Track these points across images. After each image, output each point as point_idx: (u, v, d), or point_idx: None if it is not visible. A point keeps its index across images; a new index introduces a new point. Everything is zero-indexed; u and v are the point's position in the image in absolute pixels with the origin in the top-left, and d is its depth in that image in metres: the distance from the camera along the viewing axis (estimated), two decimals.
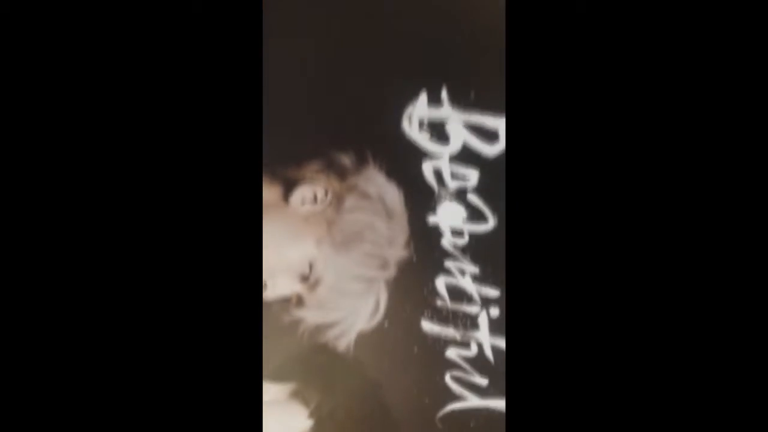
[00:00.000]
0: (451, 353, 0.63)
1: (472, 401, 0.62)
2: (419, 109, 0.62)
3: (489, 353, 0.62)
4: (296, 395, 0.63)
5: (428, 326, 0.64)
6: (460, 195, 0.63)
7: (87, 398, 0.39)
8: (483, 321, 0.62)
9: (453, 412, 0.63)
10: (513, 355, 0.43)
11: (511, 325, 0.44)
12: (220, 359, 0.41)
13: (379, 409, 0.63)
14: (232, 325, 0.41)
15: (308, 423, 0.62)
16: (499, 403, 0.61)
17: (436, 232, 0.63)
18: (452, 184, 0.63)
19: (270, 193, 0.62)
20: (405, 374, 0.63)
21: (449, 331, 0.63)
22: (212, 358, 0.41)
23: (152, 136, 0.41)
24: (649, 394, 0.40)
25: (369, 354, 0.63)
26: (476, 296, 0.62)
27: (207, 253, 0.41)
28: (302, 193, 0.63)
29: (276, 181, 0.62)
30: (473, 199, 0.63)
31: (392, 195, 0.62)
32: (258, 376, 0.43)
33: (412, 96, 0.62)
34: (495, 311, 0.62)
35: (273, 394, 0.62)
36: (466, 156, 0.62)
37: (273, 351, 0.61)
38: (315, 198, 0.63)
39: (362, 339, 0.63)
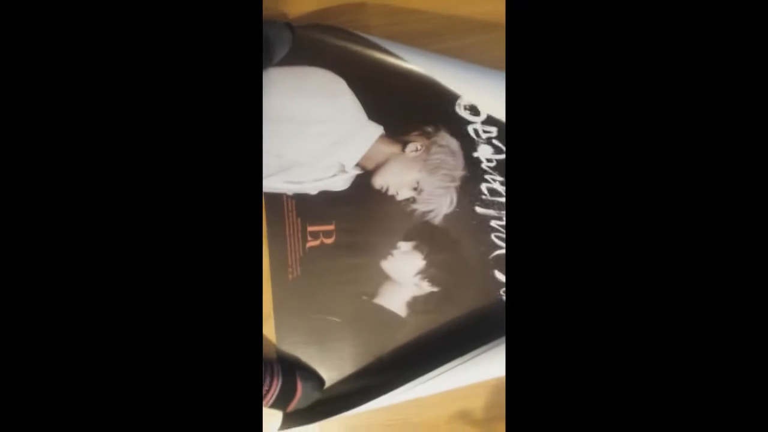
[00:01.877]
0: (493, 223, 1.13)
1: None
2: (464, 100, 1.23)
3: None
4: (416, 248, 1.21)
5: (480, 210, 1.22)
6: (489, 140, 1.23)
7: (79, 386, 0.37)
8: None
9: (498, 256, 1.11)
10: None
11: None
12: (219, 353, 0.38)
13: (457, 255, 1.21)
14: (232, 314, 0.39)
15: (423, 262, 1.20)
16: None
17: (478, 161, 1.22)
18: (483, 135, 1.23)
19: (394, 147, 1.18)
20: (470, 234, 1.16)
21: (491, 212, 1.19)
22: (211, 353, 0.39)
23: (147, 130, 0.38)
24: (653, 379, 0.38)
25: (451, 225, 1.19)
26: (503, 192, 1.21)
27: (207, 242, 0.39)
28: (410, 147, 1.21)
29: (396, 142, 1.18)
30: (496, 142, 1.22)
31: (454, 144, 1.21)
32: (257, 375, 0.41)
33: (458, 97, 1.22)
34: None
35: (404, 248, 1.20)
36: (490, 121, 1.12)
37: (403, 225, 1.19)
38: (416, 149, 1.22)
39: (446, 218, 1.17)
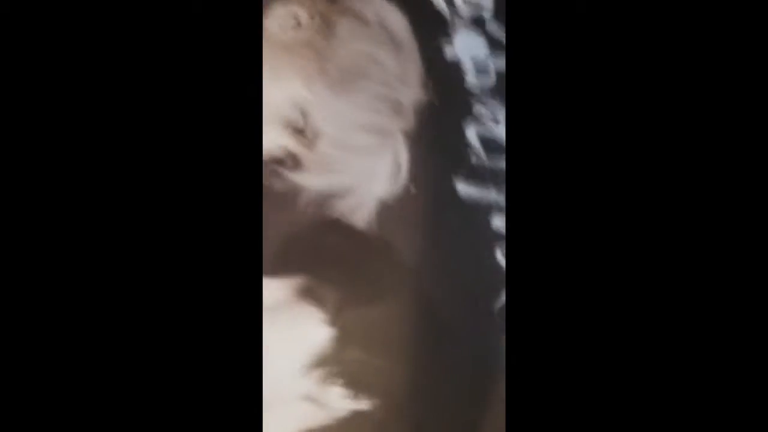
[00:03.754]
0: (499, 222, 0.49)
1: None
2: None
3: None
4: (306, 293, 0.43)
5: (465, 189, 0.49)
6: (478, 23, 0.50)
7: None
8: None
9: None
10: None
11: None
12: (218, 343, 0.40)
13: (421, 305, 0.46)
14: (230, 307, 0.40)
15: (326, 331, 0.43)
16: None
17: (456, 68, 0.50)
18: (466, 10, 0.50)
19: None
20: (446, 253, 0.48)
21: (491, 195, 0.49)
22: (210, 348, 0.40)
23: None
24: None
25: (395, 229, 0.46)
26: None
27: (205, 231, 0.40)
28: (279, 15, 0.47)
29: None
30: (493, 28, 0.51)
31: (395, 20, 0.49)
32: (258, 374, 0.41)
33: None
34: None
35: (274, 293, 0.43)
36: None
37: (267, 230, 0.42)
38: (298, 22, 0.47)
39: (384, 210, 0.46)
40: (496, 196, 0.50)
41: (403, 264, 0.46)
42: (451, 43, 0.51)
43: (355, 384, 0.45)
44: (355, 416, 0.47)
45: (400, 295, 0.46)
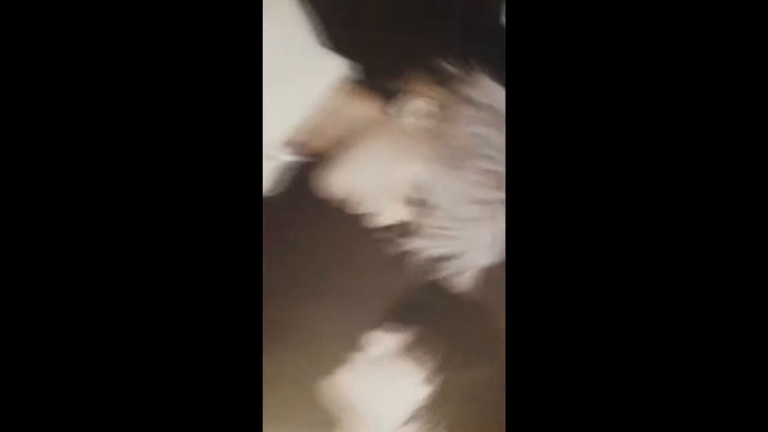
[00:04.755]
0: None
1: None
2: None
3: None
4: (409, 350, 0.50)
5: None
6: None
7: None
8: None
9: None
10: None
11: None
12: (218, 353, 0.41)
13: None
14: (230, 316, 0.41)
15: (422, 391, 0.49)
16: None
17: None
18: None
19: (372, 106, 0.54)
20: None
21: None
22: (210, 352, 0.41)
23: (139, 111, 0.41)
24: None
25: (494, 295, 0.51)
26: None
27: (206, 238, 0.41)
28: (408, 106, 0.54)
29: (377, 94, 0.54)
30: None
31: (502, 99, 0.54)
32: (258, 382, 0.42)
33: None
34: None
35: (381, 347, 0.49)
36: None
37: (378, 291, 0.49)
38: (420, 110, 0.53)
39: (487, 275, 0.52)
40: None
41: (499, 329, 0.51)
42: None
43: None
44: None
45: (495, 361, 0.51)
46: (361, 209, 0.53)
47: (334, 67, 0.55)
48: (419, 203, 0.52)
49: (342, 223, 0.54)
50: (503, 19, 0.55)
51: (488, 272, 0.51)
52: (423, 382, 0.50)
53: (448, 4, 0.59)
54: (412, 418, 0.49)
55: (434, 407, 0.49)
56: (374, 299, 0.49)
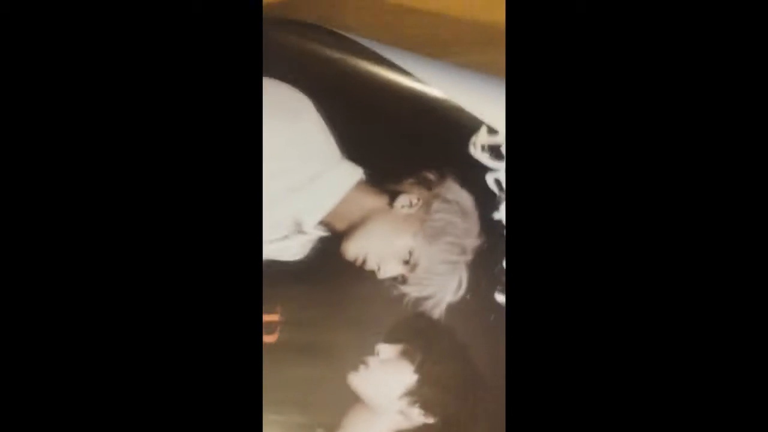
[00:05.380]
0: None
1: None
2: (481, 137, 0.85)
3: None
4: (404, 354, 0.80)
5: (501, 298, 0.83)
6: None
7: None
8: None
9: None
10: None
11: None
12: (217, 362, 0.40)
13: (467, 366, 0.81)
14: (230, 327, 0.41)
15: (414, 377, 0.79)
16: None
17: (499, 225, 0.84)
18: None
19: (378, 200, 0.82)
20: (486, 336, 0.81)
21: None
22: (210, 361, 0.41)
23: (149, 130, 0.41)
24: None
25: (458, 321, 0.81)
26: None
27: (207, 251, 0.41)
28: (402, 200, 0.84)
29: (383, 192, 0.83)
30: None
31: (466, 199, 0.83)
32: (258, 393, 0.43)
33: (476, 129, 0.85)
34: None
35: (386, 354, 0.79)
36: None
37: (385, 318, 0.79)
38: (411, 203, 0.83)
39: (451, 309, 0.81)
40: None
41: (459, 342, 0.81)
42: (498, 209, 0.84)
43: (428, 408, 0.78)
44: (425, 427, 0.75)
45: (456, 360, 0.80)
46: (369, 266, 0.83)
47: (353, 173, 0.81)
48: (410, 263, 0.82)
49: (356, 275, 0.83)
50: (471, 149, 0.85)
51: (454, 306, 0.80)
52: (413, 373, 0.80)
53: (428, 129, 0.88)
54: (405, 394, 0.79)
55: (421, 390, 0.78)
56: (378, 323, 0.78)
